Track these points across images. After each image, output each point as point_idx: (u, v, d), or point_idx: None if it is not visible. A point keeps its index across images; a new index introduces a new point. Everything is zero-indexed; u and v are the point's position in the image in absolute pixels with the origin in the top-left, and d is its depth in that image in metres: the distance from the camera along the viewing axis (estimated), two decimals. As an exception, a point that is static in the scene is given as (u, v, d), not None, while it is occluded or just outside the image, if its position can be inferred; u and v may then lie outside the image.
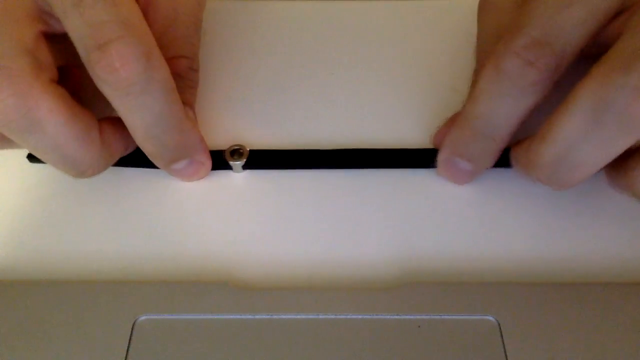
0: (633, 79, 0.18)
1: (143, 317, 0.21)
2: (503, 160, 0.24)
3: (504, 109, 0.22)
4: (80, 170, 0.22)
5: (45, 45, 0.21)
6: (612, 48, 0.20)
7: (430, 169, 0.26)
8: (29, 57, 0.20)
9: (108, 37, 0.19)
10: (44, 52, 0.21)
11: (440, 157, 0.25)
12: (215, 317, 0.21)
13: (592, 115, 0.19)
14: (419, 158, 0.26)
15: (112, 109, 0.23)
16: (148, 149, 0.23)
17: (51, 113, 0.20)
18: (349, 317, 0.21)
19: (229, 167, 0.26)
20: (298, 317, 0.21)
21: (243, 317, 0.21)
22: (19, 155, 0.27)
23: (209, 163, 0.25)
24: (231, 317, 0.21)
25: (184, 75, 0.25)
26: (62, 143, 0.21)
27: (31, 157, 0.26)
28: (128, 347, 0.20)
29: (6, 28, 0.20)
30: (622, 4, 0.21)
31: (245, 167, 0.26)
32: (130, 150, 0.24)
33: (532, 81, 0.21)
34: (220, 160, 0.26)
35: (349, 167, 0.26)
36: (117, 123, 0.23)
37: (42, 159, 0.22)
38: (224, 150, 0.26)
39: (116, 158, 0.24)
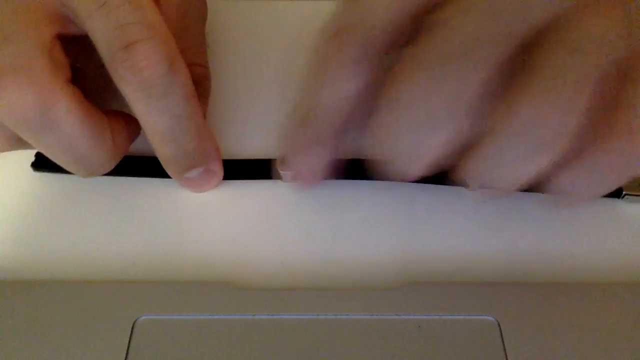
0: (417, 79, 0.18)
1: (143, 317, 0.21)
2: None
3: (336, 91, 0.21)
4: (91, 170, 0.22)
5: (61, 47, 0.21)
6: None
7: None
8: (48, 57, 0.20)
9: (134, 38, 0.20)
10: (60, 53, 0.21)
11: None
12: (216, 317, 0.21)
13: (405, 109, 0.19)
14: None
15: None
16: (164, 153, 0.23)
17: (68, 113, 0.20)
18: (349, 317, 0.21)
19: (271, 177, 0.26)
20: (298, 317, 0.21)
21: (243, 317, 0.21)
22: (19, 156, 0.27)
23: (221, 173, 0.25)
24: (231, 317, 0.21)
25: (199, 83, 0.25)
26: (77, 143, 0.21)
27: (35, 166, 0.26)
28: (128, 347, 0.20)
29: (26, 29, 0.20)
30: None
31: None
32: (134, 139, 0.24)
33: (350, 59, 0.20)
34: (263, 170, 0.26)
35: (357, 178, 0.26)
36: (123, 119, 0.23)
37: (54, 159, 0.22)
38: (273, 160, 0.25)
39: (123, 155, 0.24)
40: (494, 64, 0.18)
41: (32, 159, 0.26)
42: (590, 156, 0.19)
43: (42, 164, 0.25)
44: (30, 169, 0.26)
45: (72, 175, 0.25)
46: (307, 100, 0.22)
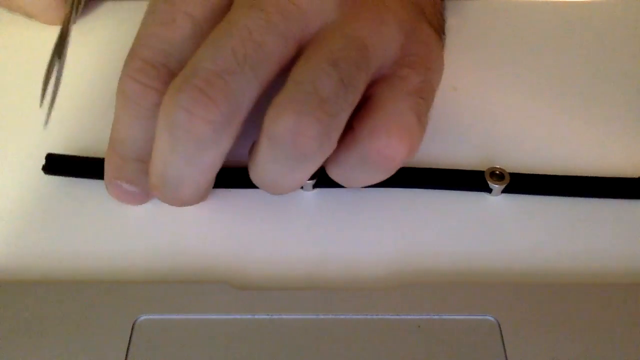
0: (183, 99, 0.18)
1: (143, 317, 0.21)
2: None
3: (138, 131, 0.21)
4: None
5: None
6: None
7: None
8: None
9: None
10: None
11: (105, 181, 0.23)
12: (215, 317, 0.21)
13: (168, 132, 0.19)
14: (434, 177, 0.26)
15: None
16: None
17: None
18: (348, 317, 0.21)
19: (488, 190, 0.25)
20: (298, 317, 0.21)
21: (243, 317, 0.21)
22: (17, 155, 0.27)
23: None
24: (231, 317, 0.21)
25: None
26: None
27: (46, 169, 0.26)
28: (128, 347, 0.20)
29: None
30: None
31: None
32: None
33: (152, 102, 0.20)
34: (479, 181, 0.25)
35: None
36: None
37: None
38: (484, 171, 0.25)
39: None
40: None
41: (35, 160, 0.26)
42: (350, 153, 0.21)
43: (52, 167, 0.25)
44: (33, 170, 0.26)
45: (73, 177, 0.25)
46: (114, 134, 0.22)
